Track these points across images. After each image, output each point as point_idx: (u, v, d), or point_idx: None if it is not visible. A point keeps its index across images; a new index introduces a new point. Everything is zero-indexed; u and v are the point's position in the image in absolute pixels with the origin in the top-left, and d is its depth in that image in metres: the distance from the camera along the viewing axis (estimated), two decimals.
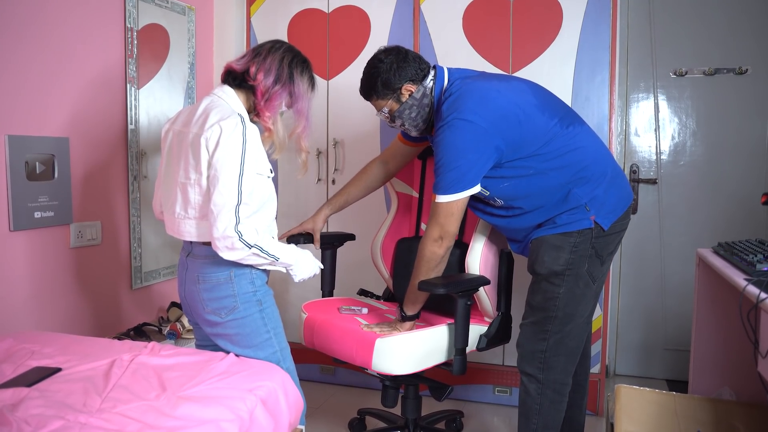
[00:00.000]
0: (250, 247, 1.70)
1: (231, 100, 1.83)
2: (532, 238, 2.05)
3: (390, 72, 2.03)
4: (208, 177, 1.74)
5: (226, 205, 1.68)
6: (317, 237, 2.41)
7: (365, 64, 2.12)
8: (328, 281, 2.52)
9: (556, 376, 2.03)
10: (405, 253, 2.45)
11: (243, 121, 1.73)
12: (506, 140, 1.93)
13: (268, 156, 1.86)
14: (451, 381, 2.94)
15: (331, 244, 2.51)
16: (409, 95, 2.04)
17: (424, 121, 2.09)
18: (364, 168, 2.49)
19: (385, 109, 2.09)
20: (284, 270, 1.87)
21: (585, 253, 1.99)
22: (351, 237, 2.58)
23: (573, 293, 2.00)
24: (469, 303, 2.07)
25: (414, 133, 2.16)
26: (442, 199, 1.96)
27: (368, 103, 2.97)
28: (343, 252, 2.56)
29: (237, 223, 1.68)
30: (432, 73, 2.07)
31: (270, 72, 1.82)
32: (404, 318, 2.13)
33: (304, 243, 2.39)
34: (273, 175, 1.86)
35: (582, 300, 2.02)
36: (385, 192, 2.99)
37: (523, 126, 1.94)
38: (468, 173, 1.93)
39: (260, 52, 1.85)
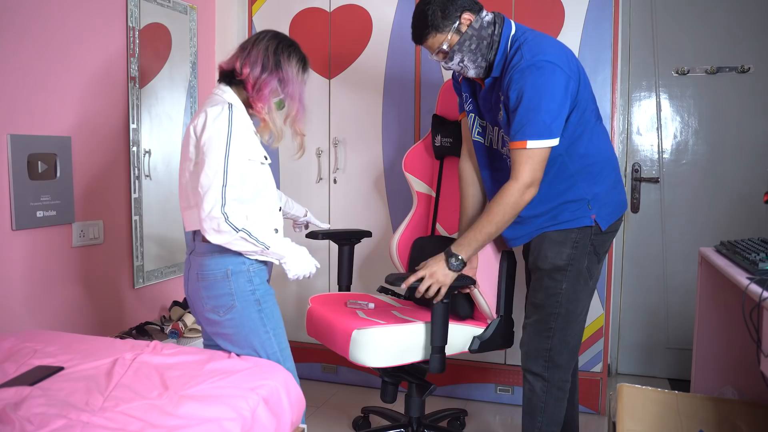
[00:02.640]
0: (237, 230, 1.71)
1: (226, 95, 1.86)
2: (533, 234, 2.04)
3: (447, 1, 1.93)
4: (196, 163, 1.77)
5: (212, 185, 1.70)
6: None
7: (414, 8, 2.01)
8: (345, 276, 2.54)
9: (560, 375, 2.04)
10: (419, 252, 2.45)
11: (231, 107, 1.76)
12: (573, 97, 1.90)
13: (269, 146, 1.89)
14: (452, 380, 2.95)
15: (348, 241, 2.52)
16: (468, 25, 1.93)
17: (483, 57, 1.96)
18: (460, 176, 2.29)
19: (445, 45, 1.94)
20: (277, 262, 1.87)
21: (585, 249, 1.99)
22: (367, 234, 2.59)
23: (574, 289, 2.00)
24: (445, 301, 2.04)
25: (472, 72, 2.00)
26: (534, 144, 1.84)
27: (369, 101, 3.00)
28: (369, 247, 2.56)
29: (223, 204, 1.69)
30: (488, 12, 1.97)
31: (256, 63, 1.84)
32: (451, 264, 1.98)
33: (322, 239, 2.44)
34: (270, 161, 1.88)
35: (581, 297, 2.03)
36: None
37: (579, 96, 1.93)
38: (557, 119, 1.85)
39: (246, 46, 1.88)
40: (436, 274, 1.98)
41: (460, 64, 1.98)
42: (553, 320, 2.01)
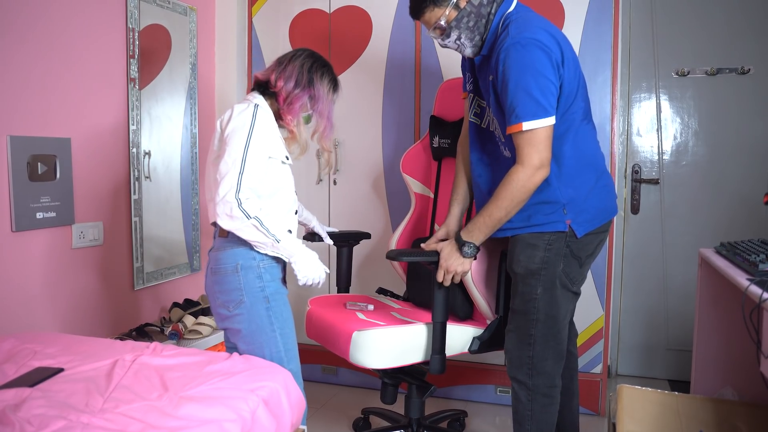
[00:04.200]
0: (249, 217, 1.75)
1: (256, 99, 1.93)
2: (507, 234, 2.00)
3: None
4: (218, 155, 1.84)
5: (229, 172, 1.76)
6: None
7: None
8: (344, 278, 2.53)
9: (544, 381, 1.99)
10: None
11: (257, 107, 1.85)
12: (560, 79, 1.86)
13: (292, 157, 1.95)
14: (451, 381, 2.95)
15: (346, 242, 2.52)
16: (468, 1, 1.90)
17: (480, 34, 1.92)
18: (458, 153, 2.28)
19: (442, 20, 1.91)
20: (287, 260, 1.88)
21: (560, 252, 1.94)
22: (366, 235, 2.58)
23: (551, 294, 1.95)
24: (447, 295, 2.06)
25: (468, 50, 1.97)
26: (530, 125, 1.78)
27: (368, 104, 3.00)
28: (367, 249, 2.55)
29: (238, 190, 1.75)
30: None
31: (290, 78, 1.93)
32: (465, 252, 1.98)
33: (318, 241, 2.37)
34: (291, 162, 1.94)
35: (562, 303, 1.98)
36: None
37: (564, 88, 1.88)
38: (549, 96, 1.79)
39: (282, 61, 1.98)
40: (453, 266, 2.00)
41: (457, 42, 1.96)
42: (533, 327, 1.97)
